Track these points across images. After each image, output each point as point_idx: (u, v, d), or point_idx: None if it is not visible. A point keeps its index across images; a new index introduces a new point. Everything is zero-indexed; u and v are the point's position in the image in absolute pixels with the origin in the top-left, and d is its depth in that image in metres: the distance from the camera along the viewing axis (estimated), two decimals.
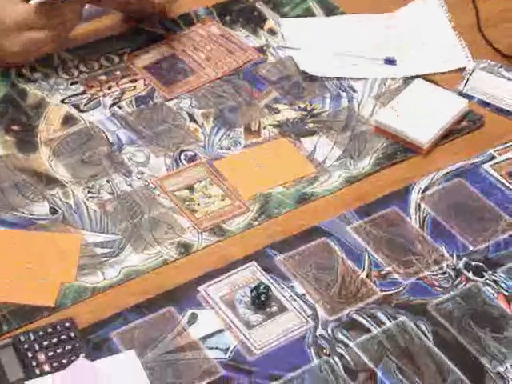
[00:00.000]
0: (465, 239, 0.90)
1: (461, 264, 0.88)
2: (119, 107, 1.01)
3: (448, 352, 0.80)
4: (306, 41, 1.10)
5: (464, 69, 1.08)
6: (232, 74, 1.07)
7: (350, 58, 1.09)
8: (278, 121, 1.01)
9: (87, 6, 1.05)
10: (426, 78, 1.06)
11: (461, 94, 1.05)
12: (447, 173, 0.97)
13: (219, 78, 1.06)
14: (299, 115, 1.02)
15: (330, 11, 1.16)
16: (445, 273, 0.87)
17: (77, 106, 1.01)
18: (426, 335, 0.81)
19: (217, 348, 0.79)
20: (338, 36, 1.12)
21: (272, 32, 1.13)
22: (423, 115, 1.00)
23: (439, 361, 0.79)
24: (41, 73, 1.04)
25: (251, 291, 0.83)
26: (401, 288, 0.85)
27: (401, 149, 0.99)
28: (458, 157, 0.99)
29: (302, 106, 1.03)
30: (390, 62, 1.08)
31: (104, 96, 1.02)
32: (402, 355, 0.80)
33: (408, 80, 1.06)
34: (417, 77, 1.06)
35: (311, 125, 1.01)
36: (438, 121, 1.00)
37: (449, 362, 0.79)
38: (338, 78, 1.07)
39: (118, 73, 1.06)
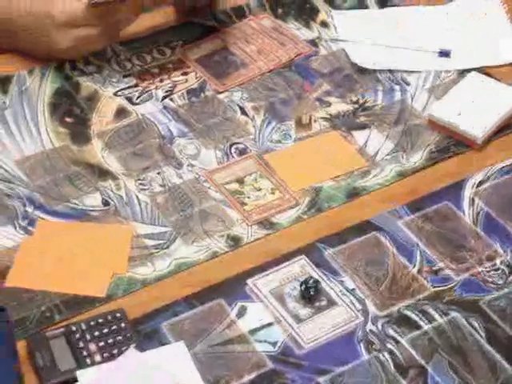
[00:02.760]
0: None
1: None
2: (171, 100, 1.02)
3: (500, 349, 0.79)
4: (358, 33, 1.09)
5: None
6: (283, 66, 1.06)
7: (403, 51, 1.07)
8: (330, 114, 1.01)
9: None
10: (481, 70, 1.04)
11: None
12: (502, 167, 0.95)
13: (270, 71, 1.06)
14: (351, 108, 1.01)
15: (383, 3, 1.15)
16: (498, 269, 0.85)
17: (129, 99, 1.02)
18: (478, 332, 0.80)
19: (265, 341, 0.79)
20: (391, 28, 1.10)
21: (324, 24, 1.12)
22: (478, 109, 0.98)
23: (491, 358, 0.78)
24: (94, 65, 1.05)
25: (300, 285, 0.83)
26: (453, 284, 0.84)
27: (454, 143, 0.98)
28: None
29: (354, 99, 1.02)
30: (445, 54, 1.07)
31: (156, 89, 1.03)
32: (453, 352, 0.79)
33: (463, 73, 1.04)
34: (472, 70, 1.04)
35: (363, 118, 1.00)
36: (493, 115, 0.98)
37: (501, 360, 0.78)
38: (390, 71, 1.05)
39: (170, 66, 1.06)
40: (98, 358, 0.76)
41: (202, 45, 1.09)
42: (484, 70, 1.05)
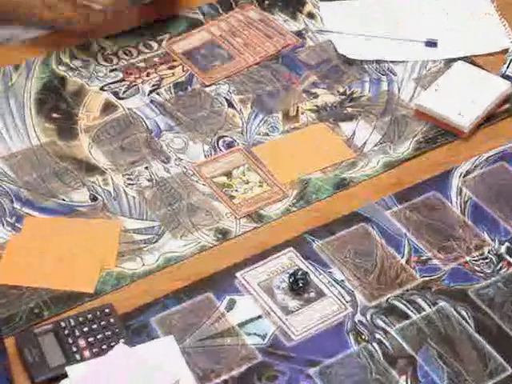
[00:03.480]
0: (507, 224, 0.88)
1: (503, 249, 0.86)
2: (158, 94, 1.02)
3: (489, 338, 0.79)
4: (345, 24, 1.09)
5: (507, 50, 1.06)
6: (270, 59, 1.06)
7: (390, 41, 1.07)
8: (317, 106, 1.01)
9: None
10: (467, 60, 1.04)
11: (503, 76, 1.02)
12: (489, 157, 0.95)
13: (257, 64, 1.05)
14: (338, 100, 1.01)
15: None
16: (486, 258, 0.86)
17: (116, 93, 1.01)
18: (466, 321, 0.80)
19: (255, 334, 0.79)
20: (378, 19, 1.10)
21: (311, 16, 1.12)
22: (465, 98, 0.98)
23: (480, 347, 0.78)
24: (80, 60, 1.05)
25: (289, 277, 0.83)
26: (441, 274, 0.84)
27: (442, 132, 0.98)
28: (501, 140, 0.97)
29: (341, 90, 1.02)
30: (431, 44, 1.07)
31: (143, 83, 1.03)
32: (442, 341, 0.79)
33: (449, 62, 1.04)
34: (458, 59, 1.04)
35: (350, 109, 1.00)
36: (480, 104, 0.98)
37: (490, 349, 0.78)
38: (377, 62, 1.05)
39: (156, 59, 1.06)
40: (87, 353, 0.76)
41: (188, 38, 1.08)
42: (470, 60, 1.05)
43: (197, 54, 1.06)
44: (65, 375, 0.74)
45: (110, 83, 1.03)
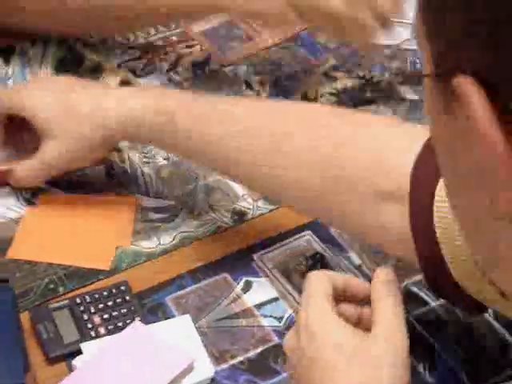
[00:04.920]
0: None
1: None
2: (175, 73, 1.01)
3: (508, 326, 0.78)
4: None
5: None
6: (289, 40, 1.05)
7: (411, 26, 1.06)
8: (336, 89, 0.99)
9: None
10: None
11: None
12: None
13: (276, 45, 1.04)
14: (358, 83, 1.00)
15: None
16: None
17: (133, 71, 1.00)
18: None
19: (271, 316, 0.79)
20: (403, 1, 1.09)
21: None
22: None
23: (499, 335, 0.78)
24: (97, 37, 1.04)
25: (306, 260, 0.82)
26: None
27: None
28: None
29: (361, 74, 1.01)
30: None
31: (160, 61, 1.02)
32: (460, 328, 0.78)
33: None
34: None
35: (370, 93, 0.99)
36: None
37: (509, 337, 0.78)
38: (398, 46, 1.04)
39: (174, 38, 1.05)
40: (102, 330, 0.75)
41: (207, 17, 1.07)
42: None
43: (215, 34, 1.05)
44: (79, 351, 0.73)
45: (128, 60, 1.01)
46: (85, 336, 0.75)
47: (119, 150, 0.92)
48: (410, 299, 0.80)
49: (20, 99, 0.83)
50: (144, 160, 0.91)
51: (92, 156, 0.84)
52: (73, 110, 0.81)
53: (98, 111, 0.80)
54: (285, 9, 0.87)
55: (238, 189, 0.89)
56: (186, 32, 1.05)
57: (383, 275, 0.66)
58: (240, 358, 0.76)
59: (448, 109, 0.42)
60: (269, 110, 0.77)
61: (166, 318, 0.77)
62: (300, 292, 0.80)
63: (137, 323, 0.75)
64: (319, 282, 0.66)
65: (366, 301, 0.66)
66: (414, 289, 0.81)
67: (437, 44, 0.41)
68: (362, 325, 0.65)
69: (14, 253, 0.81)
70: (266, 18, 0.91)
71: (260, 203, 0.88)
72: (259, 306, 0.79)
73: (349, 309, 0.67)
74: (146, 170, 0.90)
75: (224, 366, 0.75)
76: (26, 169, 0.83)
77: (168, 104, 0.78)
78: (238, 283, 0.81)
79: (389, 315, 0.64)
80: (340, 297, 0.66)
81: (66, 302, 0.77)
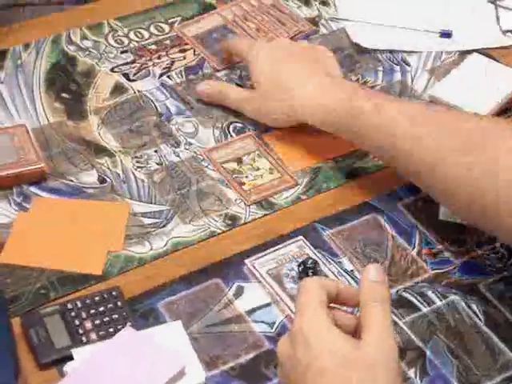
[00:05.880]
0: None
1: None
2: (169, 77, 1.00)
3: (499, 332, 0.78)
4: (359, 12, 1.08)
5: None
6: None
7: (404, 31, 1.06)
8: None
9: None
10: (482, 52, 1.03)
11: None
12: None
13: None
14: None
15: None
16: (498, 252, 0.85)
17: (126, 75, 1.00)
18: (476, 315, 0.80)
19: (263, 322, 0.79)
20: (393, 7, 1.09)
21: (324, 3, 1.11)
22: (479, 90, 0.97)
23: (490, 341, 0.78)
24: (91, 41, 1.04)
25: (298, 266, 0.82)
26: (452, 267, 0.84)
27: None
28: None
29: (354, 78, 1.01)
30: (446, 34, 1.06)
31: (153, 65, 1.02)
32: (451, 335, 0.78)
33: (464, 54, 1.03)
34: (473, 51, 1.03)
35: None
36: (494, 96, 0.97)
37: (500, 343, 0.78)
38: (390, 51, 1.04)
39: (167, 42, 1.05)
40: (93, 336, 0.75)
41: (200, 22, 1.07)
42: (485, 52, 1.04)
43: (208, 38, 1.05)
44: (71, 357, 0.73)
45: (121, 65, 1.01)
46: (76, 341, 0.75)
47: (112, 155, 0.92)
48: (401, 305, 0.80)
49: (250, 52, 0.95)
50: (137, 165, 0.91)
51: (273, 122, 0.94)
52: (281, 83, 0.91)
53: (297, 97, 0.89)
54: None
55: (231, 194, 0.89)
56: (180, 36, 1.05)
57: (372, 274, 0.67)
58: (231, 364, 0.76)
59: None
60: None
61: (158, 324, 0.77)
62: (292, 297, 0.80)
63: (128, 329, 0.75)
64: (312, 290, 0.66)
65: (357, 305, 0.67)
66: (406, 295, 0.81)
67: None
68: (357, 332, 0.66)
69: (5, 258, 0.81)
70: None
71: (253, 208, 0.88)
72: (251, 311, 0.79)
73: (343, 317, 0.67)
74: (139, 174, 0.90)
75: (215, 371, 0.75)
76: (235, 93, 0.95)
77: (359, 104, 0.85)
78: (230, 288, 0.81)
79: (377, 320, 0.64)
80: (332, 302, 0.67)
81: (58, 307, 0.77)
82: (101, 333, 0.75)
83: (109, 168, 0.91)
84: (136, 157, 0.92)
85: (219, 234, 0.86)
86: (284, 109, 0.91)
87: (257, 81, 0.93)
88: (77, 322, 0.76)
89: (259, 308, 0.80)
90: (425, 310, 0.80)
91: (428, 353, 0.77)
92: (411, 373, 0.76)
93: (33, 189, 0.88)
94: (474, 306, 0.80)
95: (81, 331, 0.75)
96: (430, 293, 0.81)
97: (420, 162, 0.81)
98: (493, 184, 0.75)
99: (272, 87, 0.91)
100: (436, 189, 0.81)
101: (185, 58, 1.03)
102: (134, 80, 1.00)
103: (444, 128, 0.80)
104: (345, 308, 0.70)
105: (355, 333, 0.66)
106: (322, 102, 0.88)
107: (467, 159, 0.77)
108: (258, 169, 0.92)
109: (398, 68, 1.03)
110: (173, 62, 1.02)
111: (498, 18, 1.08)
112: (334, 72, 0.93)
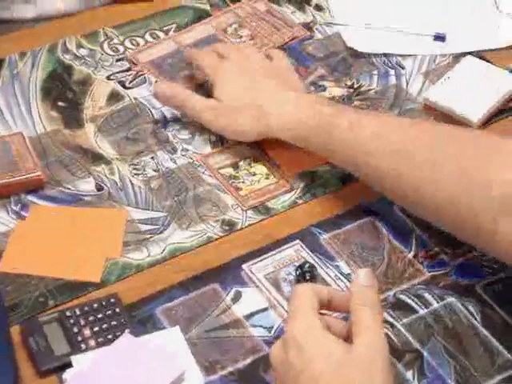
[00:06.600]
0: None
1: None
2: None
3: (496, 333, 0.79)
4: (353, 17, 1.09)
5: None
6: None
7: (399, 35, 1.07)
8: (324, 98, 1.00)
9: None
10: (476, 54, 1.04)
11: None
12: None
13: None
14: (346, 92, 1.01)
15: None
16: None
17: (122, 83, 1.01)
18: (474, 316, 0.80)
19: (261, 326, 0.79)
20: (387, 12, 1.10)
21: (319, 8, 1.11)
22: (473, 93, 0.98)
23: (487, 342, 0.78)
24: (87, 49, 1.04)
25: (296, 270, 0.82)
26: (449, 269, 0.84)
27: None
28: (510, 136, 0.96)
29: (349, 83, 1.02)
30: (440, 38, 1.06)
31: (149, 73, 1.02)
32: (449, 336, 0.78)
33: (458, 57, 1.04)
34: (467, 54, 1.04)
35: (358, 102, 1.00)
36: (489, 99, 0.98)
37: (497, 344, 0.78)
38: (385, 55, 1.05)
39: None
40: (92, 343, 0.75)
41: (195, 29, 1.08)
42: (479, 54, 1.04)
43: (203, 45, 1.06)
44: (70, 364, 0.74)
45: (117, 72, 1.02)
46: (75, 349, 0.75)
47: (109, 163, 0.92)
48: (399, 307, 0.80)
49: (215, 73, 0.94)
50: (134, 172, 0.92)
51: (239, 136, 0.92)
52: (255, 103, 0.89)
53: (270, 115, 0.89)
54: None
55: (228, 199, 0.90)
56: (175, 43, 1.06)
57: (362, 278, 0.67)
58: (230, 369, 0.76)
59: None
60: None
61: (156, 330, 0.77)
62: None
63: (127, 335, 0.75)
64: (305, 296, 0.67)
65: (349, 311, 0.67)
66: (403, 297, 0.81)
67: None
68: (349, 337, 0.66)
69: (4, 266, 0.82)
70: None
71: (250, 213, 0.89)
72: (249, 316, 0.80)
73: (335, 323, 0.68)
74: (136, 181, 0.91)
75: (214, 376, 0.75)
76: (196, 100, 0.92)
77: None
78: (228, 293, 0.81)
79: (368, 323, 0.65)
80: (325, 308, 0.67)
81: (56, 314, 0.77)
82: (100, 340, 0.76)
83: (106, 175, 0.91)
84: (133, 164, 0.93)
85: (216, 239, 0.86)
86: (253, 124, 0.89)
87: (218, 97, 0.91)
88: (76, 330, 0.76)
89: (257, 312, 0.80)
90: (422, 311, 0.80)
91: (426, 354, 0.77)
92: (409, 375, 0.76)
93: (30, 197, 0.88)
94: (471, 308, 0.81)
95: (80, 338, 0.76)
96: (426, 295, 0.81)
97: (403, 182, 0.80)
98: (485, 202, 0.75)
99: (238, 103, 0.90)
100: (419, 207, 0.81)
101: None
102: (129, 87, 1.00)
103: (418, 144, 0.80)
104: (337, 314, 0.70)
105: (347, 338, 0.66)
106: (292, 118, 0.87)
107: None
108: (255, 174, 0.92)
109: (392, 72, 1.03)
110: None
111: (495, 2, 1.08)
112: (297, 86, 0.93)
